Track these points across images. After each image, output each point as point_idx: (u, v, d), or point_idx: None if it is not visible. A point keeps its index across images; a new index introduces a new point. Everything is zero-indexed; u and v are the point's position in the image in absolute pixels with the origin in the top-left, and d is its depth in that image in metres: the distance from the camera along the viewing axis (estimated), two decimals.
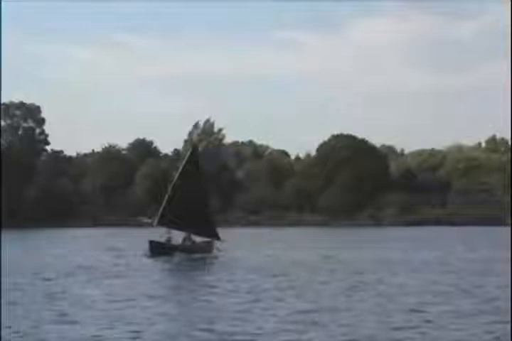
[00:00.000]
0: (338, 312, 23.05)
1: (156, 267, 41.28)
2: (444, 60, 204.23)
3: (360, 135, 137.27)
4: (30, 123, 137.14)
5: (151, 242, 47.68)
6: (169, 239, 48.80)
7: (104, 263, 42.58)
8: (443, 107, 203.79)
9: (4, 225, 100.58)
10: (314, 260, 45.08)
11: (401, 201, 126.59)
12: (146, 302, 25.67)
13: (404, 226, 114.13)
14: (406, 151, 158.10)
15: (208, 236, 49.70)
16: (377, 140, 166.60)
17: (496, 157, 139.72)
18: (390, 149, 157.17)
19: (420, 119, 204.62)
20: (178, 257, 45.93)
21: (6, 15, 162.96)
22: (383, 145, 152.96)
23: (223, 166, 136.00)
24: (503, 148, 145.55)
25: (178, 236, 49.17)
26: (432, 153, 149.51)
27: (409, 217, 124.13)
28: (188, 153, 53.00)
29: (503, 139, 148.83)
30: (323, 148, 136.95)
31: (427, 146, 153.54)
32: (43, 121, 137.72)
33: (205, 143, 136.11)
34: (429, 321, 21.31)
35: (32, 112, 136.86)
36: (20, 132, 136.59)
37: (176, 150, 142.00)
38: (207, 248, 49.21)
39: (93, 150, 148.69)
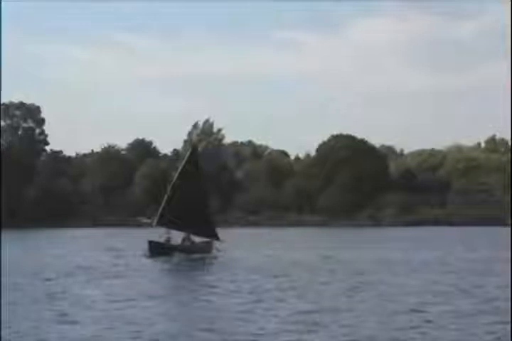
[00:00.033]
0: (339, 312, 23.05)
1: (155, 267, 41.28)
2: (443, 60, 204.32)
3: (359, 135, 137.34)
4: (30, 124, 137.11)
5: (150, 242, 47.67)
6: (168, 239, 48.80)
7: (103, 263, 42.58)
8: (443, 107, 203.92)
9: (4, 225, 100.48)
10: (314, 260, 45.08)
11: (400, 201, 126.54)
12: (146, 302, 25.68)
13: (403, 227, 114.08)
14: (406, 151, 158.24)
15: (208, 237, 49.69)
16: (376, 140, 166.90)
17: (496, 157, 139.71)
18: (390, 149, 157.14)
19: (420, 119, 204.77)
20: (177, 257, 45.93)
21: (6, 15, 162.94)
22: (383, 146, 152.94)
23: (223, 166, 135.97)
24: (502, 149, 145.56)
25: (177, 237, 49.17)
26: (432, 153, 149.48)
27: (409, 217, 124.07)
28: (188, 153, 53.03)
29: (503, 140, 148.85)
30: (322, 148, 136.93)
31: (427, 146, 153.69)
32: (42, 121, 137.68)
33: (204, 143, 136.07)
34: (429, 321, 21.33)
35: (32, 112, 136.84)
36: (20, 132, 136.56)
37: (175, 150, 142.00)
38: (206, 248, 49.20)
39: (92, 150, 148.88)
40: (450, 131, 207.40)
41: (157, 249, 47.16)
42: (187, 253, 47.17)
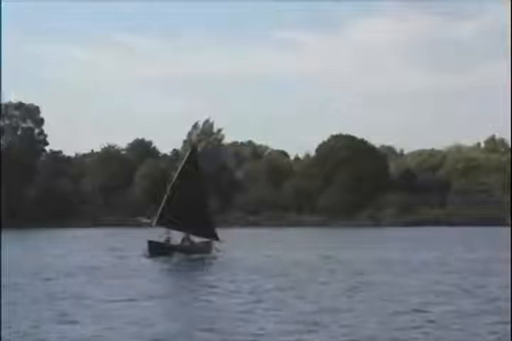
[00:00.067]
0: (339, 312, 23.05)
1: (155, 267, 41.27)
2: (443, 60, 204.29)
3: (360, 135, 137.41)
4: (29, 124, 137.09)
5: (149, 242, 47.65)
6: (168, 240, 48.78)
7: (103, 263, 42.56)
8: (443, 107, 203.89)
9: (4, 225, 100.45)
10: (314, 260, 45.07)
11: (400, 201, 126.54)
12: (146, 302, 25.67)
13: (403, 227, 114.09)
14: (405, 151, 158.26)
15: (207, 237, 49.68)
16: (376, 140, 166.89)
17: (495, 157, 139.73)
18: (390, 149, 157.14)
19: (420, 119, 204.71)
20: (176, 257, 45.91)
21: (6, 15, 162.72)
22: (383, 146, 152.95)
23: (222, 166, 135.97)
24: (502, 149, 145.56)
25: (177, 237, 49.17)
26: (432, 153, 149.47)
27: (409, 218, 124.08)
28: (187, 153, 53.03)
29: (503, 140, 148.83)
30: (322, 148, 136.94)
31: (427, 146, 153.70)
32: (41, 121, 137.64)
33: (204, 143, 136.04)
34: (431, 321, 21.32)
35: (31, 112, 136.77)
36: (19, 132, 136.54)
37: (175, 150, 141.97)
38: (206, 248, 49.19)
39: (92, 150, 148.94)
40: (450, 131, 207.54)
41: (157, 249, 47.14)
42: (186, 254, 47.15)
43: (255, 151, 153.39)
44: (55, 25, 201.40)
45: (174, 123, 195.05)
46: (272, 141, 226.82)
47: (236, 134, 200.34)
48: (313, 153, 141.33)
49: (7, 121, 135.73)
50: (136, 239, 61.31)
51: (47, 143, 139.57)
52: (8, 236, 76.28)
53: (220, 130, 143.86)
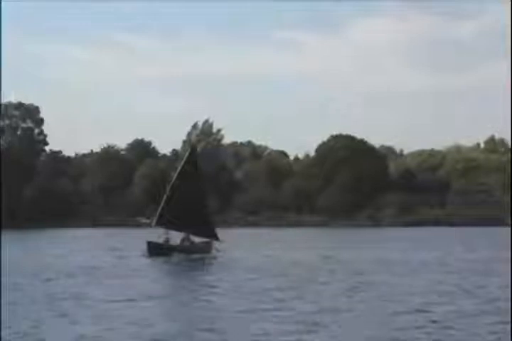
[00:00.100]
0: (339, 312, 23.05)
1: (154, 267, 41.28)
2: (443, 60, 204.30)
3: (359, 135, 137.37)
4: (29, 124, 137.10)
5: (149, 243, 47.64)
6: (167, 240, 48.76)
7: (103, 263, 42.55)
8: (443, 107, 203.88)
9: (4, 225, 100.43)
10: (313, 260, 45.07)
11: (400, 201, 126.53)
12: (146, 302, 25.67)
13: (403, 227, 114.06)
14: (405, 152, 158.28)
15: (207, 237, 49.66)
16: (376, 140, 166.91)
17: (495, 157, 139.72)
18: (390, 149, 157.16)
19: (420, 119, 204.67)
20: (176, 257, 45.90)
21: (6, 15, 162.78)
22: (382, 146, 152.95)
23: (222, 167, 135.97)
24: (502, 149, 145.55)
25: (176, 237, 49.15)
26: (432, 153, 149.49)
27: (409, 218, 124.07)
28: (187, 153, 53.02)
29: (503, 140, 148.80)
30: (322, 148, 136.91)
31: (427, 147, 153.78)
32: (41, 121, 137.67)
33: (203, 143, 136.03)
34: (434, 321, 21.31)
35: (31, 112, 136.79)
36: (19, 132, 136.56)
37: (174, 150, 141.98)
38: (205, 248, 49.17)
39: (92, 150, 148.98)
40: (450, 131, 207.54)
41: (156, 250, 47.12)
42: (186, 254, 47.12)
43: (255, 151, 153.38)
44: (55, 25, 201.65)
45: (174, 123, 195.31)
46: (271, 141, 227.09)
47: (235, 134, 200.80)
48: (312, 153, 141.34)
49: (7, 121, 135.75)
50: (135, 239, 61.30)
51: (47, 143, 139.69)
52: (8, 236, 76.28)
53: (219, 130, 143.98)
